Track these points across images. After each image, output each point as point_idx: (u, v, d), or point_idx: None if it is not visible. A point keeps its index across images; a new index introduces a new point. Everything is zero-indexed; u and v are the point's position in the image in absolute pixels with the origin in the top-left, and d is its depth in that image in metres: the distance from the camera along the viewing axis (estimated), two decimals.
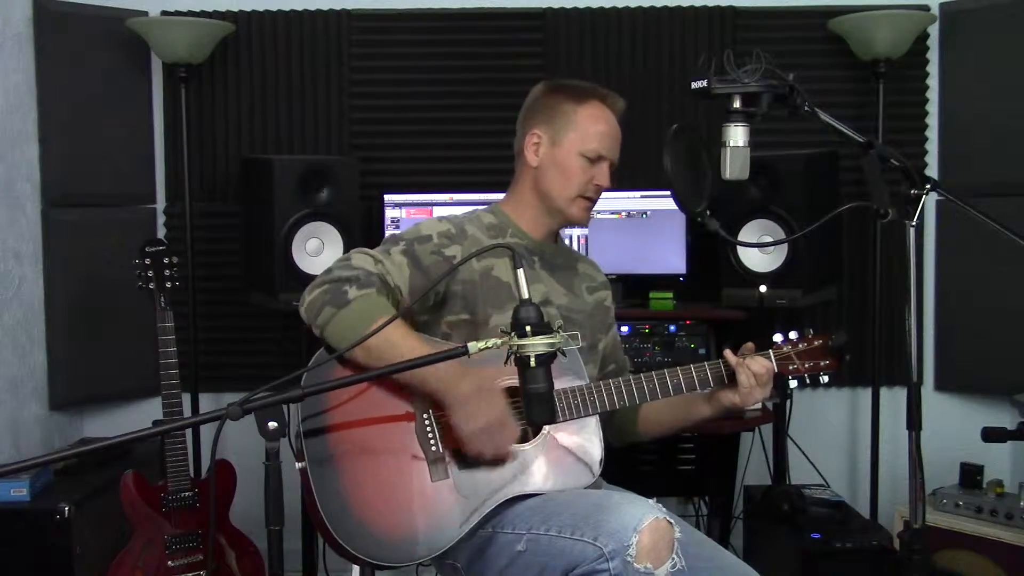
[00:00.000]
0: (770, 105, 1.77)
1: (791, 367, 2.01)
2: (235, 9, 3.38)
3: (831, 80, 3.36)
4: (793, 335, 2.03)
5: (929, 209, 3.43)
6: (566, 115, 2.08)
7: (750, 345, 2.02)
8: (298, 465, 1.82)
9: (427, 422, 1.88)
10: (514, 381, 1.87)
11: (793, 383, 2.03)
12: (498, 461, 1.87)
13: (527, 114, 2.14)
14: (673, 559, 1.69)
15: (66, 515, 2.61)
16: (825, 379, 2.03)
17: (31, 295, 3.09)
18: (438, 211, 3.20)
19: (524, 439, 1.94)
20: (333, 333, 1.88)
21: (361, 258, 1.96)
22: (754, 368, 1.96)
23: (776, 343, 2.03)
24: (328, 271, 1.95)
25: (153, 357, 2.71)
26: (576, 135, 2.06)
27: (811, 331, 2.04)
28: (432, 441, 1.87)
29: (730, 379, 2.00)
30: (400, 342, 1.83)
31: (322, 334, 1.90)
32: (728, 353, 1.99)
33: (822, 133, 3.11)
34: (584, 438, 1.95)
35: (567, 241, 2.84)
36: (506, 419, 1.85)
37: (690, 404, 2.08)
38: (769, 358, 2.00)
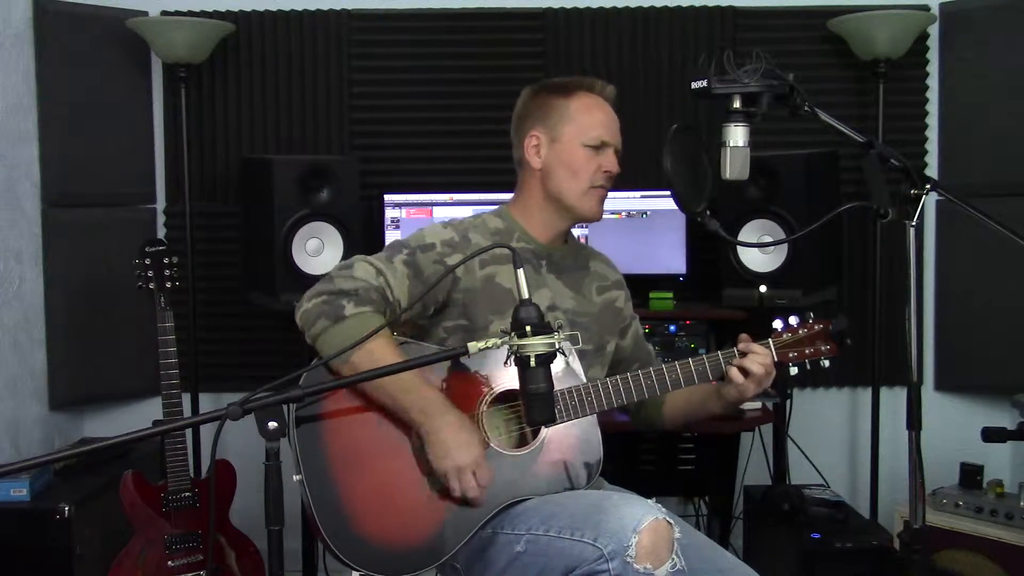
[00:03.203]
0: (770, 105, 1.77)
1: (792, 354, 2.00)
2: (235, 9, 3.38)
3: (831, 80, 3.36)
4: (794, 320, 2.02)
5: (929, 209, 3.43)
6: (559, 110, 2.06)
7: (744, 336, 2.00)
8: (296, 477, 1.82)
9: None
10: (512, 385, 1.88)
11: (794, 370, 2.02)
12: (467, 501, 1.85)
13: (519, 121, 2.12)
14: (673, 559, 1.69)
15: (66, 515, 2.61)
16: (826, 363, 2.02)
17: (31, 295, 3.09)
18: (438, 211, 3.20)
19: (523, 442, 1.94)
20: (324, 346, 1.87)
21: (363, 268, 1.93)
22: (751, 367, 1.94)
23: (776, 330, 2.02)
24: (329, 279, 1.93)
25: (153, 357, 2.71)
26: (574, 127, 2.04)
27: (811, 316, 2.03)
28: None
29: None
30: (388, 362, 1.80)
31: (315, 344, 1.89)
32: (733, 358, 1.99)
33: (822, 133, 3.13)
34: (583, 439, 1.95)
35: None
36: (480, 463, 1.83)
37: (704, 399, 2.09)
38: (768, 348, 1.99)
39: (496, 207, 2.15)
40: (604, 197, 2.09)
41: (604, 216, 2.13)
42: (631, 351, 2.23)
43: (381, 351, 1.83)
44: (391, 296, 1.92)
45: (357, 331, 1.81)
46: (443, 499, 1.85)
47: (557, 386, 1.87)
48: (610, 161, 2.06)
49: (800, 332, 2.01)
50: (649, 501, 1.74)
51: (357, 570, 1.82)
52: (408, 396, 1.83)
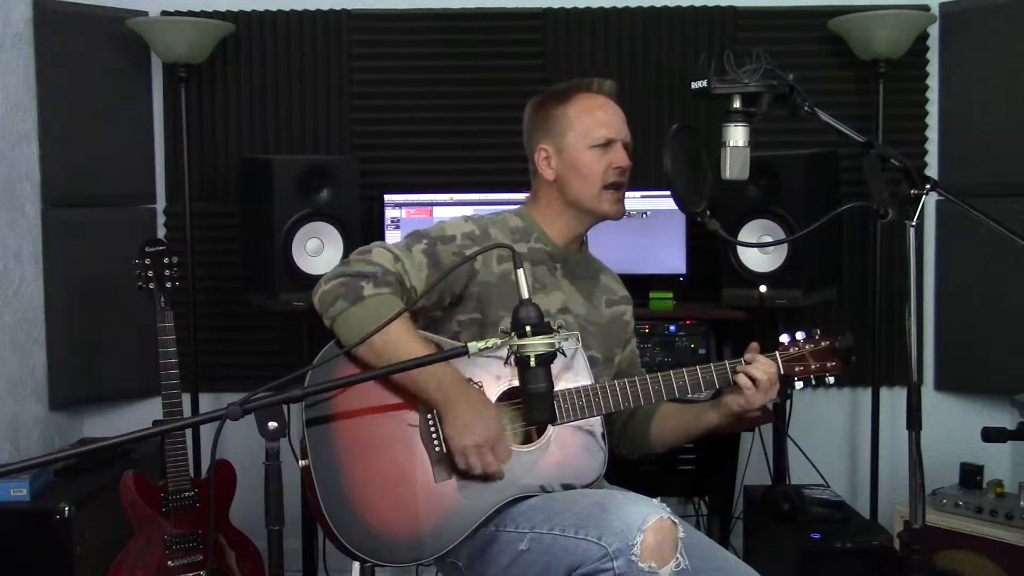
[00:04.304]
0: (770, 105, 1.77)
1: (797, 368, 2.01)
2: (235, 9, 3.38)
3: (831, 80, 3.36)
4: (800, 335, 2.03)
5: (929, 209, 3.43)
6: (560, 118, 2.08)
7: (755, 345, 2.01)
8: (301, 463, 1.82)
9: (431, 423, 1.88)
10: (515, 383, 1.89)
11: (799, 384, 2.03)
12: (487, 478, 1.86)
13: (527, 136, 2.15)
14: (677, 559, 1.69)
15: (66, 515, 2.61)
16: (831, 380, 2.04)
17: (31, 295, 3.09)
18: (438, 211, 3.20)
19: (528, 440, 1.94)
20: (343, 327, 1.87)
21: (381, 254, 1.95)
22: (756, 374, 1.96)
23: (783, 344, 2.03)
24: (347, 262, 1.95)
25: (153, 357, 2.71)
26: (576, 133, 2.06)
27: (818, 332, 2.04)
28: (436, 442, 1.87)
29: (736, 380, 1.99)
30: (406, 346, 1.83)
31: (332, 325, 1.90)
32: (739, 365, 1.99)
33: (822, 133, 3.10)
34: (588, 439, 1.95)
35: None
36: (499, 439, 1.85)
37: (699, 413, 2.09)
38: (775, 359, 2.00)
39: (516, 207, 2.17)
40: (621, 196, 2.10)
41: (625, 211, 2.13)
42: (627, 366, 2.23)
43: (398, 333, 1.83)
44: (408, 282, 1.94)
45: (376, 312, 1.83)
46: (448, 490, 1.85)
47: (565, 386, 1.88)
48: (619, 156, 2.07)
49: (806, 348, 2.02)
50: (654, 500, 1.74)
51: (358, 559, 1.82)
52: (424, 372, 1.83)
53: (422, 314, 2.02)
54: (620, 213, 2.11)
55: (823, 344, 2.03)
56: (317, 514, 1.81)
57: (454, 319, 2.01)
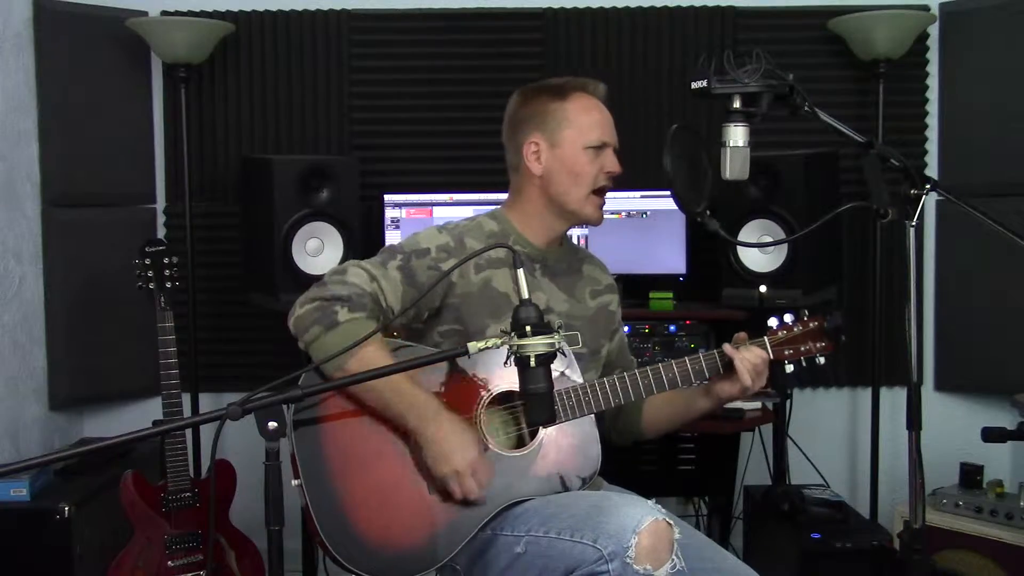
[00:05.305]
0: (770, 105, 1.76)
1: (787, 352, 2.00)
2: (235, 9, 3.38)
3: (831, 80, 3.36)
4: (788, 318, 2.02)
5: (929, 209, 3.43)
6: (555, 114, 2.04)
7: (742, 335, 2.00)
8: (294, 482, 1.81)
9: None
10: (509, 387, 1.88)
11: (790, 367, 2.01)
12: (468, 502, 1.85)
13: (513, 127, 2.09)
14: (673, 560, 1.69)
15: (66, 515, 2.61)
16: (822, 360, 2.02)
17: (31, 295, 3.09)
18: (438, 211, 3.20)
19: (521, 443, 1.94)
20: (318, 352, 1.87)
21: (357, 274, 1.93)
22: (748, 357, 1.95)
23: (771, 328, 2.01)
24: (322, 285, 1.93)
25: (153, 357, 2.71)
26: (573, 130, 2.03)
27: (806, 313, 2.02)
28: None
29: (725, 369, 1.99)
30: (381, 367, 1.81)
31: (308, 350, 1.89)
32: (727, 346, 1.98)
33: (822, 133, 3.11)
34: (582, 439, 1.95)
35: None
36: (477, 465, 1.83)
37: (690, 399, 2.08)
38: (764, 346, 1.99)
39: (491, 209, 2.14)
40: (603, 203, 2.08)
41: (604, 216, 2.12)
42: (616, 355, 2.21)
43: (374, 357, 1.83)
44: (384, 302, 1.92)
45: (351, 338, 1.80)
46: (442, 501, 1.85)
47: (555, 386, 1.88)
48: (612, 162, 2.05)
49: (795, 329, 2.01)
50: (649, 502, 1.74)
51: (357, 574, 1.82)
52: (402, 401, 1.83)
53: (402, 327, 2.01)
54: (600, 219, 2.08)
55: (811, 325, 2.01)
56: (314, 535, 1.81)
57: (434, 330, 1.99)
